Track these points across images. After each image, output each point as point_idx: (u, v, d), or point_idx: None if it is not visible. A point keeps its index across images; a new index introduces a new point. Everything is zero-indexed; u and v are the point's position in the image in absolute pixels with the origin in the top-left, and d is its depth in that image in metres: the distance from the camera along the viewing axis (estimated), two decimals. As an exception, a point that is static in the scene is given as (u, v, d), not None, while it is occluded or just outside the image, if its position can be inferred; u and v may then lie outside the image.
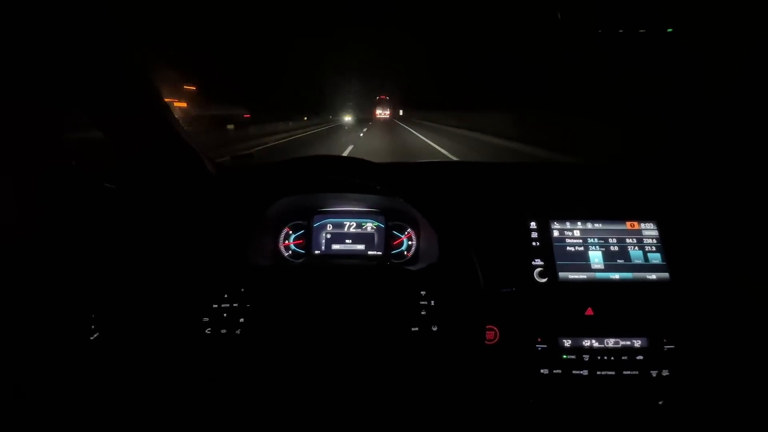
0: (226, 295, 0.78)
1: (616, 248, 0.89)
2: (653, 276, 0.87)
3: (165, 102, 0.88)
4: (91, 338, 0.80)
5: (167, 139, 0.90)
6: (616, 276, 0.87)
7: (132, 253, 0.86)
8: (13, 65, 0.72)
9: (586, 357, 0.82)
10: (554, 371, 0.82)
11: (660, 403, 0.82)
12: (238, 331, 0.75)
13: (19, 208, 0.79)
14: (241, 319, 0.76)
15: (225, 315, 0.76)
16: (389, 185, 0.73)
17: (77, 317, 0.80)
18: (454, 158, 6.89)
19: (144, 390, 0.79)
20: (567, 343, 0.83)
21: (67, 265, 0.80)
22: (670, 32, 0.65)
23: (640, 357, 0.82)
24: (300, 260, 1.03)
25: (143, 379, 0.79)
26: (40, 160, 0.81)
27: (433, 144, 10.52)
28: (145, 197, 0.92)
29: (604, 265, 0.88)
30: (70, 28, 0.70)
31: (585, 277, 0.87)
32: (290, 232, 1.06)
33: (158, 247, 0.84)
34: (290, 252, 1.05)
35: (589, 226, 0.91)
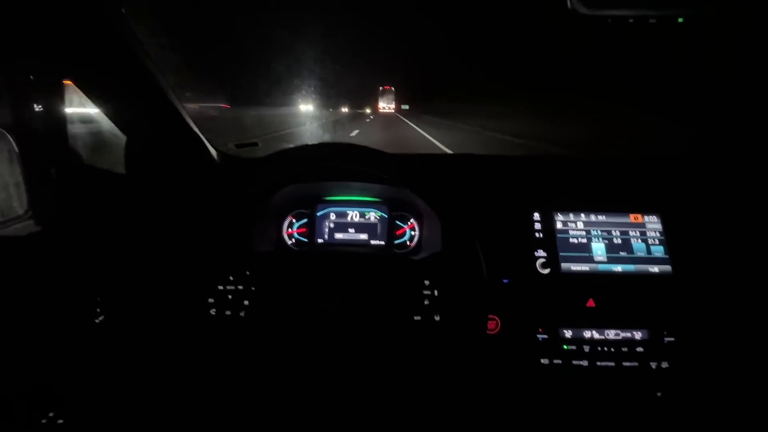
0: (231, 278, 0.79)
1: (619, 240, 0.89)
2: (655, 269, 0.87)
3: (171, 89, 0.88)
4: (96, 321, 0.81)
5: (174, 126, 0.90)
6: (619, 268, 0.87)
7: (137, 237, 0.86)
8: (18, 54, 0.72)
9: (587, 348, 0.82)
10: (554, 361, 0.82)
11: (658, 394, 0.83)
12: (242, 314, 0.76)
13: (31, 198, 0.80)
14: (246, 302, 0.77)
15: (230, 297, 0.77)
16: (397, 174, 0.73)
17: (83, 302, 0.81)
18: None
19: (148, 371, 0.80)
20: (568, 333, 0.83)
21: (74, 251, 0.81)
22: (680, 22, 0.64)
23: (640, 349, 0.82)
24: (303, 249, 1.04)
25: (147, 359, 0.80)
26: (51, 154, 0.82)
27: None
28: (151, 183, 0.93)
29: (607, 257, 0.88)
30: (76, 17, 0.70)
31: (587, 268, 0.87)
32: (293, 220, 1.06)
33: (163, 231, 0.84)
34: (293, 240, 1.05)
35: (593, 218, 0.91)
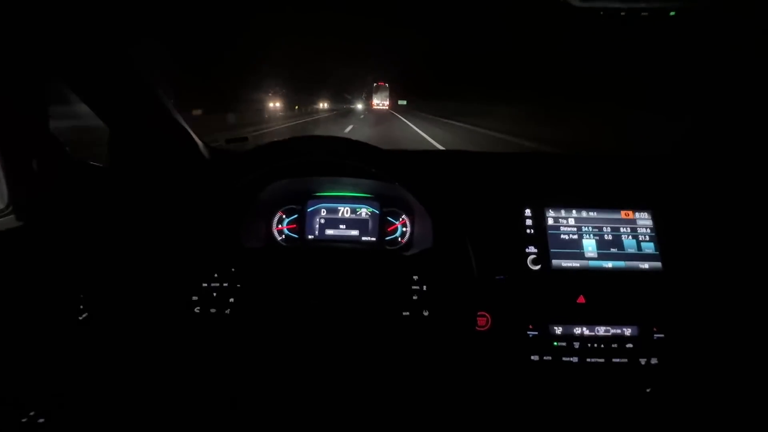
0: (216, 275, 0.77)
1: (610, 237, 0.89)
2: (646, 265, 0.87)
3: (158, 85, 0.86)
4: (80, 318, 0.79)
5: (161, 120, 0.88)
6: (609, 264, 0.87)
7: (122, 232, 0.85)
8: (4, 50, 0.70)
9: (577, 344, 0.82)
10: (545, 358, 0.82)
11: (648, 390, 0.83)
12: (227, 311, 0.75)
13: (11, 192, 0.78)
14: (231, 299, 0.76)
15: (215, 294, 0.76)
16: (386, 169, 0.72)
17: (66, 298, 0.79)
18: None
19: (132, 369, 0.79)
20: (558, 330, 0.83)
21: (57, 246, 0.79)
22: (672, 15, 0.63)
23: (629, 345, 0.82)
24: (293, 245, 1.03)
25: (131, 357, 0.79)
26: (32, 147, 0.79)
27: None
28: (137, 178, 0.91)
29: (598, 253, 0.88)
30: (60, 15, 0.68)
31: (578, 265, 0.87)
32: (283, 216, 1.05)
33: (148, 227, 0.83)
34: (283, 236, 1.04)
35: (584, 214, 0.91)
